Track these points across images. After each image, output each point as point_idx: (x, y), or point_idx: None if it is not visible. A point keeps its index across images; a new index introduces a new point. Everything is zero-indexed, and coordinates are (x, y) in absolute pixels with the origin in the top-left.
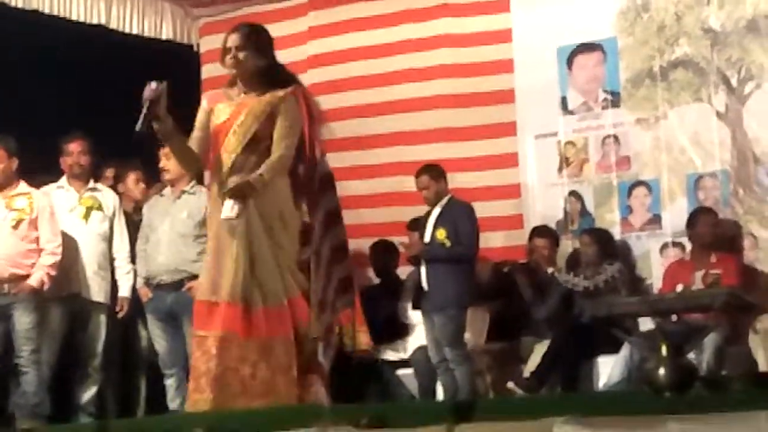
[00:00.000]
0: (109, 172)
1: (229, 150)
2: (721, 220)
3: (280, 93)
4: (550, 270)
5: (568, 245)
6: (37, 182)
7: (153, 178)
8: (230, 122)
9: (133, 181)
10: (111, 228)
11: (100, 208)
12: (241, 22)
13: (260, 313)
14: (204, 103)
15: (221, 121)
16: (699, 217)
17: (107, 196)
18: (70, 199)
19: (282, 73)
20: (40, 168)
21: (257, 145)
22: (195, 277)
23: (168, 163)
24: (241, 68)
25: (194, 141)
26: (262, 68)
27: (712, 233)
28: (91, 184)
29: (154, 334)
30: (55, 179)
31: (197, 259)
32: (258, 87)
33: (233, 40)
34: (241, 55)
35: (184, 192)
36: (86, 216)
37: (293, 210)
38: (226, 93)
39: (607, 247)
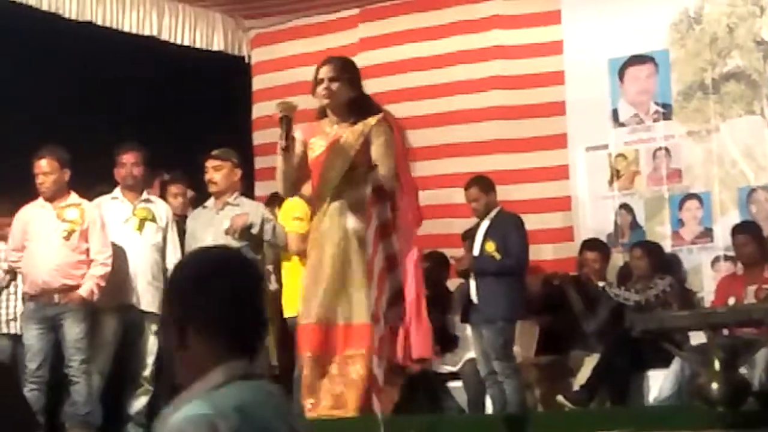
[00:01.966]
0: (155, 187)
1: (329, 179)
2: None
3: (372, 120)
4: (601, 284)
5: (618, 258)
6: (92, 193)
7: (198, 189)
8: (327, 153)
9: (172, 195)
10: (164, 239)
11: (153, 219)
12: (331, 55)
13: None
14: (299, 135)
15: (317, 153)
16: (736, 237)
17: (160, 207)
18: (124, 210)
19: (371, 103)
20: (94, 179)
21: (354, 172)
22: None
23: (216, 175)
24: (334, 99)
25: None
26: (354, 99)
27: (753, 250)
28: (145, 195)
29: None
30: (110, 190)
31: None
32: (349, 117)
33: (326, 71)
34: (334, 86)
35: (227, 203)
36: (140, 227)
37: None
38: (320, 126)
39: (659, 261)
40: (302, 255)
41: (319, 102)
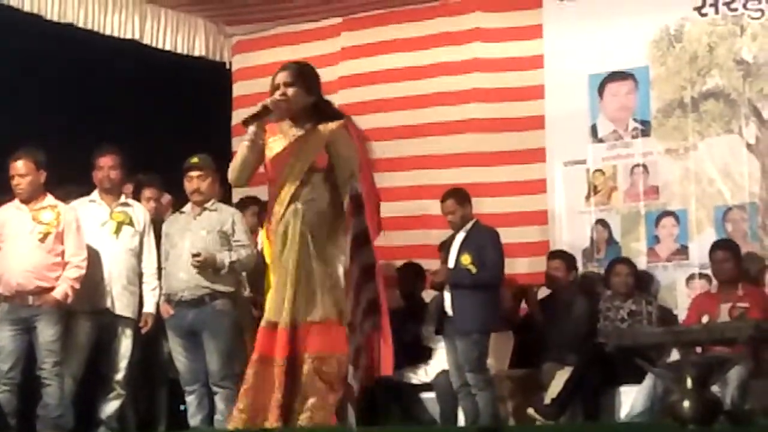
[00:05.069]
0: (126, 189)
1: (288, 182)
2: (746, 253)
3: (333, 125)
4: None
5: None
6: (62, 193)
7: (176, 194)
8: (286, 155)
9: (145, 199)
10: (141, 243)
11: (131, 223)
12: (289, 61)
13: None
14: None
15: (275, 153)
16: (715, 253)
17: (138, 211)
18: (101, 214)
19: (329, 108)
20: (72, 181)
21: (312, 175)
22: (215, 293)
23: (203, 185)
24: (290, 104)
25: None
26: (311, 104)
27: (732, 267)
28: (123, 198)
29: (175, 351)
30: (82, 190)
31: (218, 275)
32: (307, 122)
33: (282, 77)
34: (290, 91)
35: (205, 209)
36: (117, 231)
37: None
38: (279, 126)
39: (638, 278)
40: None
41: (276, 107)
